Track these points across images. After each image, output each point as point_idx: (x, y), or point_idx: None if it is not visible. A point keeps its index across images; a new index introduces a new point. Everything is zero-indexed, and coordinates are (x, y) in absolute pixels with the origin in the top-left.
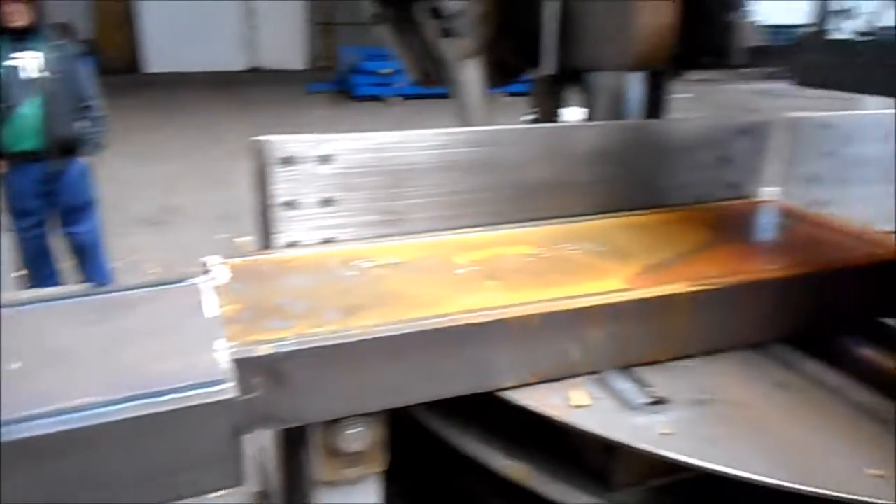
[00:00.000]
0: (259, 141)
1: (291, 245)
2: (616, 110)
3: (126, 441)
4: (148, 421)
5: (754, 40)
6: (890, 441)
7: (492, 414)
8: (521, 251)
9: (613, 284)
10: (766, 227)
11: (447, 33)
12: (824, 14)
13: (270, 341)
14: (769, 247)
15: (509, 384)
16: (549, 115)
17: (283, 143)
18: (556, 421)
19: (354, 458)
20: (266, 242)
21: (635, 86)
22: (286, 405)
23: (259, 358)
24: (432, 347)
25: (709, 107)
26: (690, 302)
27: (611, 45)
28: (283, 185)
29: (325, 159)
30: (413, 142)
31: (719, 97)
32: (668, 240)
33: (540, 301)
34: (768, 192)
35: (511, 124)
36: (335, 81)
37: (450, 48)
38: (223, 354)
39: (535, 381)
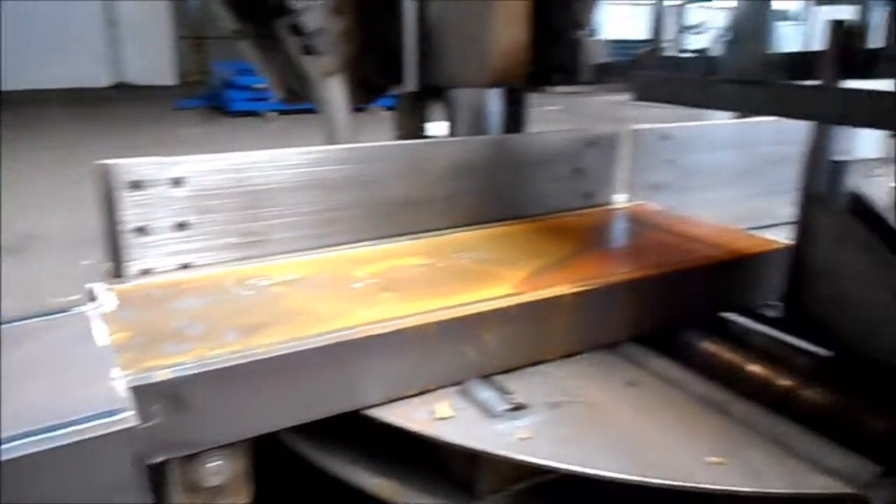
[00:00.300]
0: (104, 164)
1: (145, 273)
2: (477, 125)
3: (27, 477)
4: (48, 456)
5: (599, 58)
6: (728, 429)
7: (362, 433)
8: (415, 262)
9: (504, 290)
10: (635, 230)
11: (309, 50)
12: (659, 32)
13: (168, 366)
14: (637, 248)
15: (412, 392)
16: (414, 130)
17: (132, 166)
18: (420, 435)
19: (216, 493)
20: (117, 271)
21: (494, 101)
22: (190, 430)
23: (158, 384)
24: (336, 361)
25: (578, 117)
26: (573, 302)
27: (468, 62)
28: (133, 210)
29: (177, 182)
30: (271, 161)
31: (587, 108)
32: (548, 246)
33: (436, 309)
34: (619, 200)
35: (378, 140)
36: (208, 97)
37: (312, 66)
38: (120, 383)
39: (433, 388)
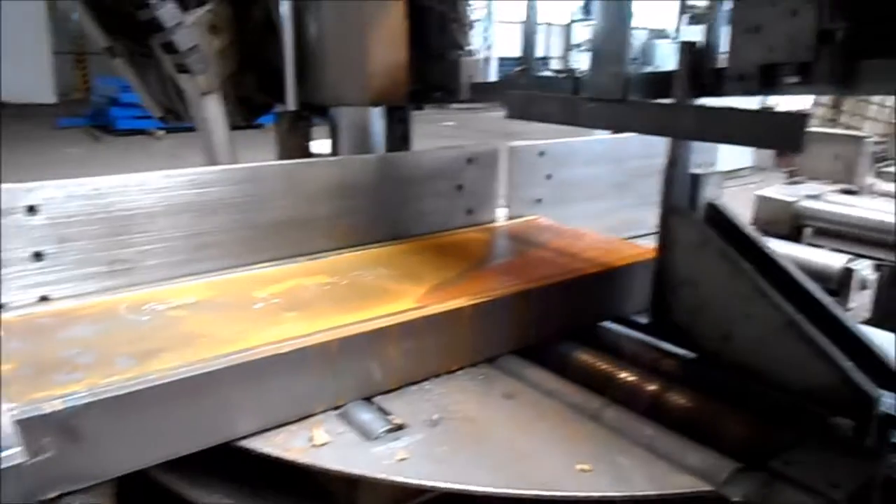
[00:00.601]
0: None
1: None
2: (360, 143)
3: None
4: None
5: (476, 76)
6: (600, 435)
7: (241, 463)
8: (318, 281)
9: (407, 304)
10: (525, 244)
11: (184, 69)
12: (530, 52)
13: (59, 397)
14: (529, 262)
15: (318, 409)
16: (297, 149)
17: None
18: (297, 464)
19: None
20: None
21: (377, 120)
22: (84, 462)
23: (48, 416)
24: (238, 382)
25: (471, 133)
26: (473, 313)
27: (349, 81)
28: None
29: (32, 209)
30: (138, 185)
31: (480, 124)
32: (444, 263)
33: (339, 326)
34: (502, 215)
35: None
36: (93, 115)
37: (188, 84)
38: (4, 417)
39: (342, 404)
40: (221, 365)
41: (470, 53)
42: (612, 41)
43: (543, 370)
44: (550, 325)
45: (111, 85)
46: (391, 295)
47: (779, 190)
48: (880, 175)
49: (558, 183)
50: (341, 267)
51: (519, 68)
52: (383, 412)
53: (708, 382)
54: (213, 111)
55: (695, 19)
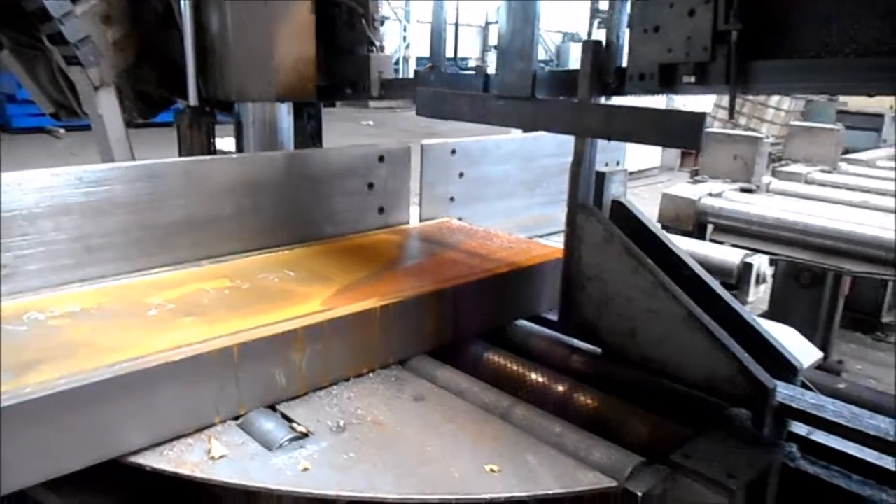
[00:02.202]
0: None
1: None
2: (267, 140)
3: None
4: None
5: (386, 73)
6: (509, 435)
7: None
8: (220, 285)
9: (312, 307)
10: (442, 243)
11: (75, 61)
12: (439, 50)
13: None
14: (440, 263)
15: (218, 420)
16: (199, 147)
17: None
18: (192, 479)
19: None
20: None
21: (285, 116)
22: None
23: None
24: (125, 393)
25: (391, 131)
26: (382, 315)
27: (255, 76)
28: None
29: None
30: (17, 184)
31: (400, 123)
32: (353, 264)
33: (239, 331)
34: (415, 214)
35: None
36: None
37: (80, 77)
38: None
39: (243, 413)
40: (105, 376)
41: (380, 49)
42: (519, 39)
43: (455, 371)
44: (463, 326)
45: (7, 81)
46: (297, 298)
47: (683, 188)
48: (776, 174)
49: (471, 181)
50: (245, 270)
51: (428, 65)
52: (287, 420)
53: (615, 379)
54: (107, 106)
55: (602, 23)
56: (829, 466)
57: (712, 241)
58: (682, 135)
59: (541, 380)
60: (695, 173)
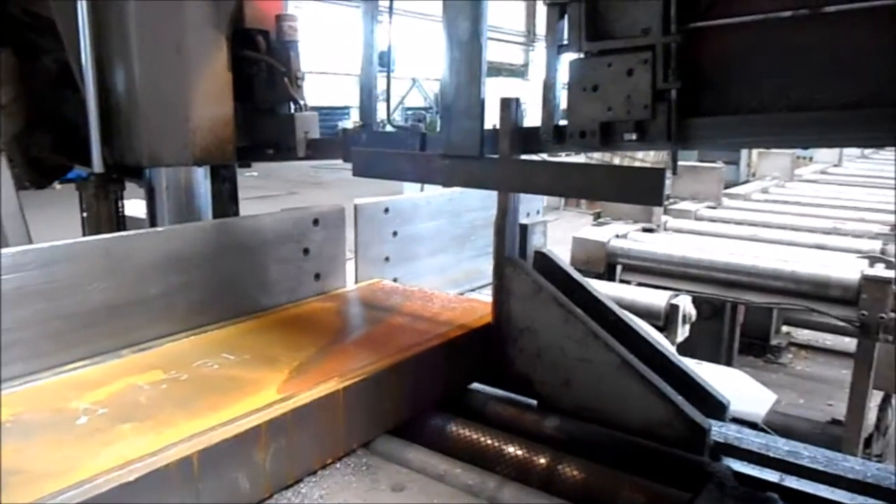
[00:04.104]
0: None
1: None
2: (185, 207)
3: None
4: None
5: (312, 133)
6: None
7: None
8: (152, 378)
9: (269, 396)
10: (382, 308)
11: None
12: (368, 106)
13: None
14: (392, 328)
15: None
16: (107, 217)
17: None
18: None
19: None
20: None
21: (202, 180)
22: None
23: None
24: None
25: (277, 182)
26: (346, 397)
27: (169, 138)
28: None
29: None
30: None
31: (284, 173)
32: (297, 341)
33: (194, 435)
34: (351, 278)
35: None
36: None
37: None
38: None
39: None
40: None
41: (304, 108)
42: (465, 96)
43: (428, 451)
44: (423, 398)
45: None
46: (247, 386)
47: (591, 231)
48: (667, 212)
49: (404, 239)
50: (178, 357)
51: (357, 124)
52: None
53: (591, 441)
54: None
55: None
56: None
57: (622, 281)
58: (642, 191)
59: (519, 453)
60: (597, 216)
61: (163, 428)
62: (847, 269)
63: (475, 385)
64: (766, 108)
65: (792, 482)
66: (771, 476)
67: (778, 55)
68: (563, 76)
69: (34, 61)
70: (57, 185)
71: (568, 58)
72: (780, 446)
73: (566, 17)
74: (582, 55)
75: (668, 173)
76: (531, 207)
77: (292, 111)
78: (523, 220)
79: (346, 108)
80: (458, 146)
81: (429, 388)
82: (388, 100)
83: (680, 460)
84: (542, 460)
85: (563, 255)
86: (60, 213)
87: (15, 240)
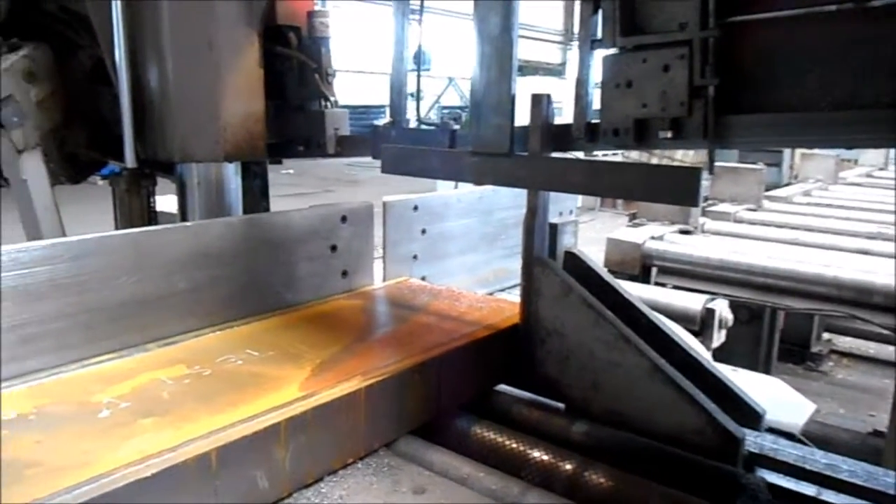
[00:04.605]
0: None
1: None
2: (215, 203)
3: None
4: None
5: (343, 129)
6: None
7: None
8: (177, 373)
9: (290, 393)
10: (409, 306)
11: None
12: (398, 103)
13: None
14: (418, 327)
15: None
16: (138, 212)
17: None
18: None
19: None
20: None
21: (232, 176)
22: None
23: None
24: None
25: (312, 179)
26: (367, 396)
27: (201, 134)
28: None
29: None
30: None
31: (319, 171)
32: (322, 338)
33: (213, 432)
34: (379, 275)
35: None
36: None
37: (2, 141)
38: None
39: None
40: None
41: (335, 105)
42: (495, 92)
43: (451, 453)
44: (447, 398)
45: None
46: (269, 383)
47: (626, 233)
48: (706, 214)
49: (433, 237)
50: (202, 352)
51: (388, 121)
52: None
53: (619, 450)
54: (32, 170)
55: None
56: None
57: (657, 283)
58: (676, 191)
59: (545, 458)
60: (633, 216)
61: (183, 423)
62: (891, 275)
63: (501, 387)
64: (808, 106)
65: (830, 496)
66: (808, 490)
67: (821, 51)
68: (596, 73)
69: (70, 57)
70: (99, 181)
71: (601, 54)
72: (818, 459)
73: (600, 11)
74: (616, 50)
75: (705, 173)
76: (565, 207)
77: (323, 108)
78: (553, 220)
79: (383, 106)
80: (487, 143)
81: (453, 388)
82: (417, 97)
83: (712, 470)
84: (569, 466)
85: (597, 256)
86: (104, 209)
87: (49, 234)
